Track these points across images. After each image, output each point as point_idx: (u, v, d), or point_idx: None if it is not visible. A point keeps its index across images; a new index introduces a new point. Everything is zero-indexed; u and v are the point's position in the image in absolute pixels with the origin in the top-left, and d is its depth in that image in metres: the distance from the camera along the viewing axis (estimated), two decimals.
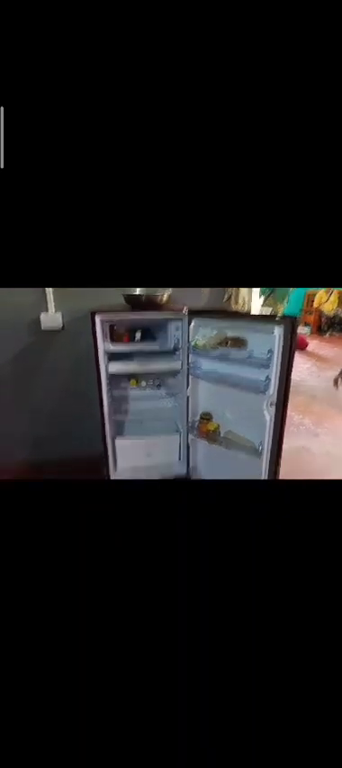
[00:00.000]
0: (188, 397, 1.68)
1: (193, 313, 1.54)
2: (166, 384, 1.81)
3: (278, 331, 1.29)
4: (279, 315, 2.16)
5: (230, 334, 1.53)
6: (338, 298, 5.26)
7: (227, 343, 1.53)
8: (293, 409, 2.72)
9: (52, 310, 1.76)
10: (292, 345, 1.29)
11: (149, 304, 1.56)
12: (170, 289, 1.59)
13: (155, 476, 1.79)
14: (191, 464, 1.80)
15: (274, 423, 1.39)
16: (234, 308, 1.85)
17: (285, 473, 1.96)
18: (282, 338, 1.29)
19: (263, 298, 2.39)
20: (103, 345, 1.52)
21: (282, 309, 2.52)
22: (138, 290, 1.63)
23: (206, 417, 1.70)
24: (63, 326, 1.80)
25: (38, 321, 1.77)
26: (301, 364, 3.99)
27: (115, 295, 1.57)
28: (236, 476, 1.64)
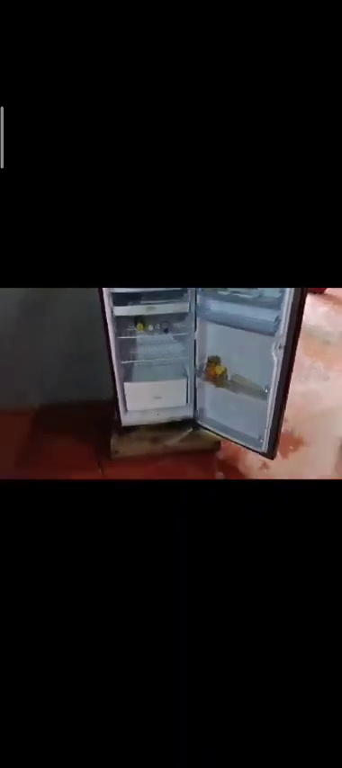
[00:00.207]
0: (195, 341, 1.66)
1: None
2: (173, 328, 1.79)
3: None
4: None
5: None
6: None
7: None
8: (305, 353, 2.66)
9: None
10: None
11: None
12: None
13: (164, 417, 1.86)
14: (198, 406, 1.85)
15: (282, 366, 1.37)
16: None
17: (290, 416, 2.00)
18: None
19: None
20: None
21: None
22: None
23: (214, 361, 1.70)
24: None
25: None
26: (317, 308, 3.79)
27: None
28: (242, 418, 1.69)
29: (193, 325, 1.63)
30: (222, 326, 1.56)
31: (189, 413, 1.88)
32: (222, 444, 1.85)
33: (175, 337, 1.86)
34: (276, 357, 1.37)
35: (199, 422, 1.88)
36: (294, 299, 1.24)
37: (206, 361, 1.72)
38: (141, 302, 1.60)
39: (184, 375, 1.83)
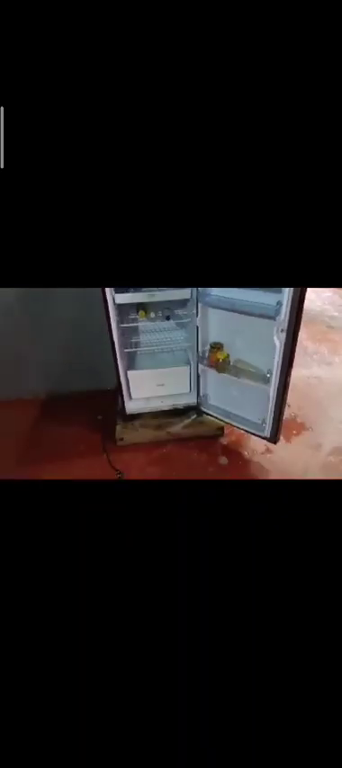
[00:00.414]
0: (197, 327, 1.66)
1: None
2: (175, 315, 1.79)
3: None
4: None
5: None
6: None
7: None
8: (309, 339, 2.64)
9: None
10: None
11: None
12: None
13: (168, 404, 1.88)
14: (201, 392, 1.86)
15: (284, 350, 1.37)
16: None
17: (294, 401, 2.00)
18: None
19: None
20: None
21: None
22: None
23: (216, 347, 1.70)
24: None
25: None
26: (322, 293, 3.73)
27: None
28: (245, 403, 1.69)
29: (195, 311, 1.63)
30: (224, 312, 1.55)
31: (192, 399, 1.89)
32: (226, 430, 1.87)
33: (177, 324, 1.86)
34: (278, 341, 1.37)
35: (202, 408, 1.90)
36: None
37: (208, 347, 1.72)
38: (142, 289, 1.60)
39: (187, 362, 1.84)
